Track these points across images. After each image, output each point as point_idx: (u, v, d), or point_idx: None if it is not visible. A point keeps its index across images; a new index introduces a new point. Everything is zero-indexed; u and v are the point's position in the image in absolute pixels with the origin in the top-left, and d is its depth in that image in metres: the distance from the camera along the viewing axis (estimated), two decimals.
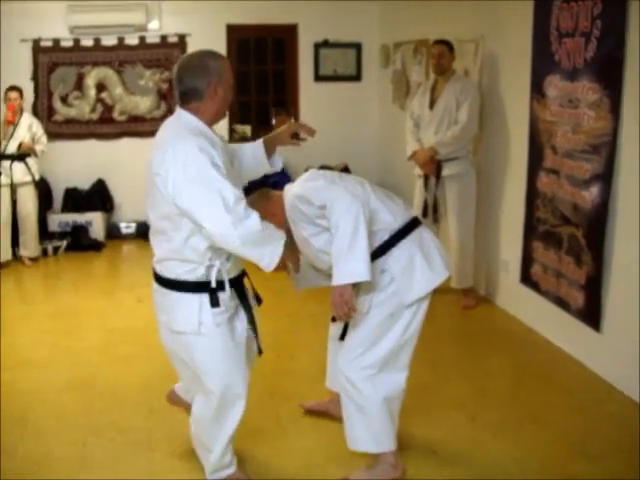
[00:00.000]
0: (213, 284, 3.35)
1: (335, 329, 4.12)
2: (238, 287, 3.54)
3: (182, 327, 3.40)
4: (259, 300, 3.77)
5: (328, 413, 4.40)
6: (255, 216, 3.17)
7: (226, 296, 3.42)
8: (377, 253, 3.58)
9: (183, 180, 3.12)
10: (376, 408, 3.69)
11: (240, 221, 3.13)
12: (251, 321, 3.59)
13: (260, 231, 3.18)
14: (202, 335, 3.39)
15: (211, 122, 3.39)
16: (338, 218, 3.34)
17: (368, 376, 3.68)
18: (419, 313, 3.69)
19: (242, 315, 3.59)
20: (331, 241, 3.44)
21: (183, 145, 3.17)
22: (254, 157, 3.79)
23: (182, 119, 3.34)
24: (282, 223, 3.62)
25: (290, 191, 3.67)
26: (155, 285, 3.49)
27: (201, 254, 3.30)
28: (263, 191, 3.83)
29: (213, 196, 3.11)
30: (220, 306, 3.39)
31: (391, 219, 3.61)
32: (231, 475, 3.74)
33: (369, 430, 3.72)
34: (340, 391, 3.83)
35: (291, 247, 3.48)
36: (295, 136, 3.84)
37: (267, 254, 3.25)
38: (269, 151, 3.83)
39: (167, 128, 3.40)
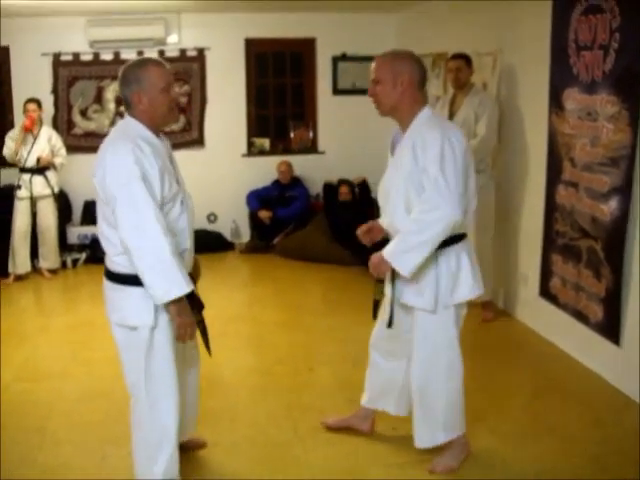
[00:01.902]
0: None
1: (381, 337, 4.11)
2: None
3: (137, 321, 3.43)
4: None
5: (352, 428, 4.37)
6: (164, 245, 3.23)
7: None
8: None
9: (114, 185, 3.24)
10: (443, 402, 3.86)
11: (146, 241, 3.23)
12: (200, 320, 3.60)
13: (164, 262, 3.25)
14: (156, 329, 3.43)
15: (153, 127, 3.46)
16: (432, 220, 3.48)
17: (441, 381, 3.84)
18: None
19: None
20: (409, 190, 3.60)
21: (122, 151, 3.27)
22: None
23: (125, 124, 3.47)
24: (385, 97, 3.69)
25: (431, 118, 3.67)
26: (107, 282, 3.51)
27: None
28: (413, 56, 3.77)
29: (131, 209, 3.23)
30: None
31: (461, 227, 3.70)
32: None
33: (436, 424, 3.90)
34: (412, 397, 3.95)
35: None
36: None
37: (160, 287, 3.27)
38: None
39: (112, 132, 3.51)
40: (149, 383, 3.53)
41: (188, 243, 3.52)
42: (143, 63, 3.44)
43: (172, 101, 3.45)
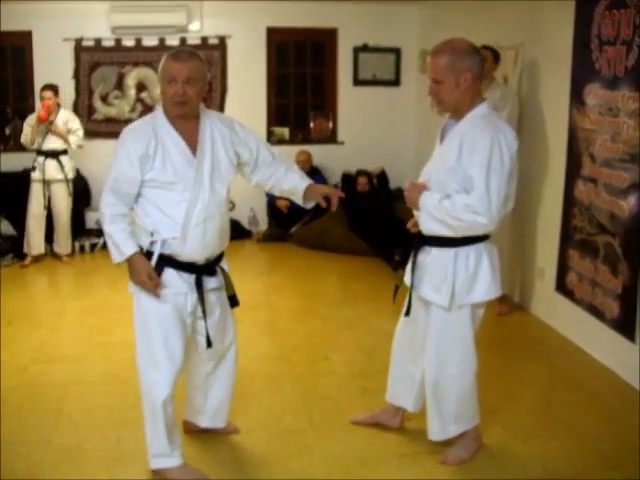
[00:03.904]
0: (155, 252, 3.58)
1: (403, 331, 4.13)
2: (197, 275, 3.69)
3: (130, 288, 3.69)
4: (233, 302, 3.90)
5: (381, 424, 4.36)
6: (107, 215, 3.54)
7: (171, 275, 3.62)
8: (452, 242, 3.68)
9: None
10: (454, 396, 3.88)
11: (100, 207, 3.59)
12: (203, 311, 3.71)
13: (106, 226, 3.56)
14: (142, 299, 3.65)
15: (170, 114, 3.59)
16: (467, 220, 3.49)
17: (452, 376, 3.85)
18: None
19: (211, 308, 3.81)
20: (448, 182, 3.59)
21: (124, 130, 3.61)
22: (293, 189, 3.90)
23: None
24: (448, 96, 3.64)
25: (486, 117, 3.63)
26: None
27: (144, 222, 3.58)
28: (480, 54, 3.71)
29: (109, 180, 3.56)
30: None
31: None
32: (178, 468, 3.78)
33: (448, 417, 3.93)
34: (427, 390, 3.96)
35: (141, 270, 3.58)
36: (326, 199, 3.86)
37: (112, 251, 3.60)
38: (308, 195, 3.91)
39: None
40: (139, 351, 3.72)
41: (178, 232, 3.54)
42: (168, 54, 3.55)
43: (175, 95, 3.49)
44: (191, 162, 3.55)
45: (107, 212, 3.53)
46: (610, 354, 5.25)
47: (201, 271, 3.69)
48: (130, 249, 3.52)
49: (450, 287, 3.67)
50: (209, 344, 3.77)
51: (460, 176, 3.54)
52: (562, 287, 5.86)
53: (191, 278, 3.66)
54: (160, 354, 3.63)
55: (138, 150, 3.47)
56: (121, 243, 3.52)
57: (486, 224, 3.48)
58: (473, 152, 3.49)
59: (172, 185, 3.51)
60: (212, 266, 3.77)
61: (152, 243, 3.56)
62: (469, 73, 3.56)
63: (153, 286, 3.56)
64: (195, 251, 3.62)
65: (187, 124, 3.58)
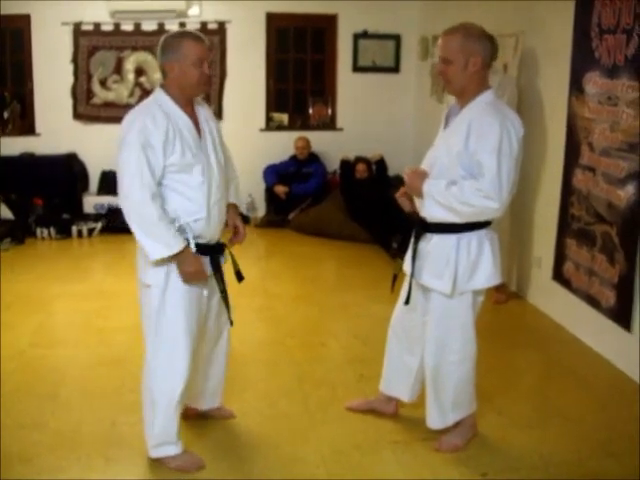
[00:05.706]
0: (190, 237, 3.53)
1: (400, 320, 4.13)
2: (212, 256, 3.69)
3: (150, 280, 3.58)
4: (239, 277, 3.90)
5: (375, 411, 4.37)
6: (152, 210, 3.39)
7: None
8: (453, 229, 3.68)
9: (118, 151, 3.42)
10: (453, 383, 3.89)
11: (133, 204, 3.41)
12: (222, 290, 3.73)
13: (153, 225, 3.41)
14: (167, 290, 3.56)
15: (179, 98, 3.55)
16: (477, 204, 3.48)
17: (452, 363, 3.86)
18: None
19: (215, 288, 3.77)
20: (454, 168, 3.58)
21: (132, 119, 3.45)
22: None
23: (154, 94, 3.60)
24: (455, 77, 3.61)
25: (492, 104, 3.62)
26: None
27: (166, 209, 3.50)
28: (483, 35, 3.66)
29: (124, 174, 3.41)
30: None
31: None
32: (177, 455, 3.78)
33: (447, 405, 3.94)
34: (427, 379, 3.97)
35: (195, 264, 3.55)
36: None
37: (150, 246, 3.43)
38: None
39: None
40: (158, 343, 3.64)
41: (204, 212, 3.55)
42: (181, 35, 3.54)
43: (202, 75, 3.51)
44: (199, 144, 3.57)
45: (152, 208, 3.39)
46: (606, 343, 5.26)
47: (215, 251, 3.71)
48: (182, 243, 3.46)
49: (452, 274, 3.67)
50: (231, 323, 3.86)
51: (467, 161, 3.53)
52: (559, 276, 5.87)
53: (206, 260, 3.66)
54: (182, 344, 3.62)
55: (160, 135, 3.40)
56: (171, 238, 3.42)
57: (497, 209, 3.48)
58: (482, 138, 3.48)
59: (191, 167, 3.51)
60: (221, 245, 3.79)
61: (179, 228, 3.52)
62: (479, 57, 3.54)
63: (206, 276, 3.59)
64: (214, 230, 3.67)
65: (188, 107, 3.59)
